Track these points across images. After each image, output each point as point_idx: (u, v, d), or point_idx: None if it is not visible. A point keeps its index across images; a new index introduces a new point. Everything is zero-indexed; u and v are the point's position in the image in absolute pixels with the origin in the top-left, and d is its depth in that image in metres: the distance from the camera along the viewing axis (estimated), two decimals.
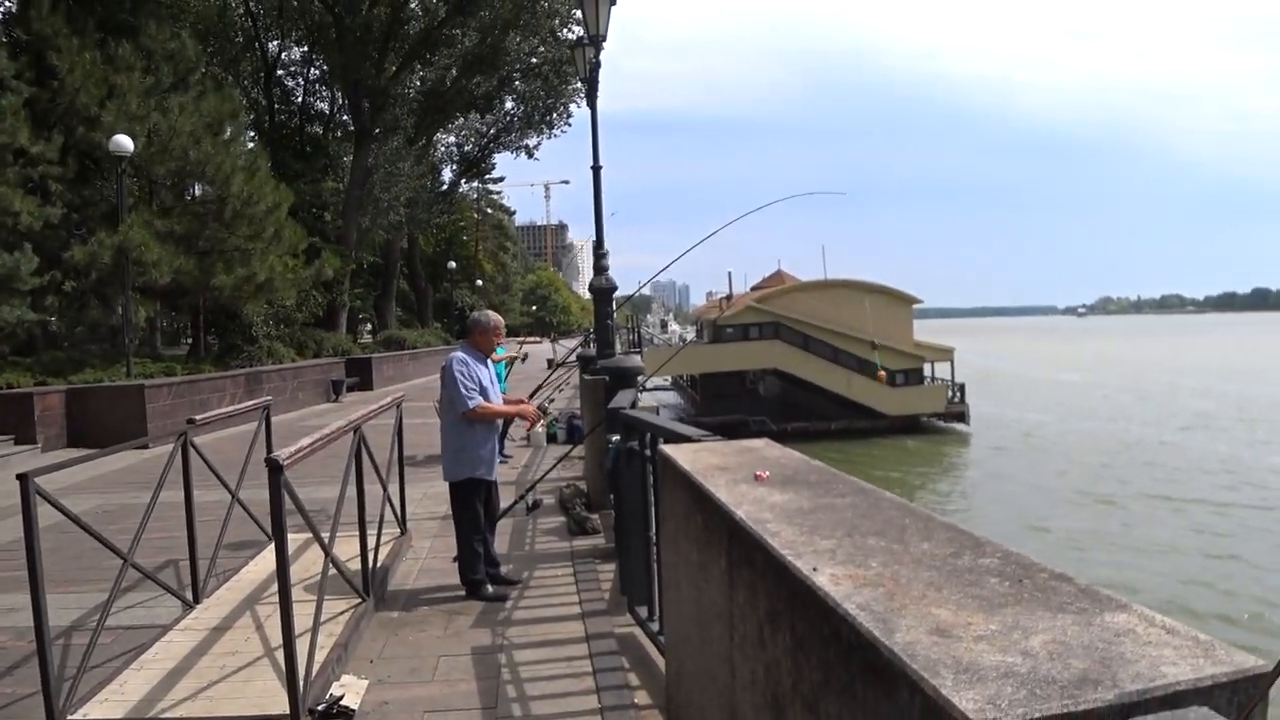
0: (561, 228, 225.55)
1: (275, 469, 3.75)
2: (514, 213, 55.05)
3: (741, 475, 2.62)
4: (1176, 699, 1.10)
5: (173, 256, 17.51)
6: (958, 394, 40.78)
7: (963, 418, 39.76)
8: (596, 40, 9.06)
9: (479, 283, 59.89)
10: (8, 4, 20.86)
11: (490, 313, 6.39)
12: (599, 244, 8.95)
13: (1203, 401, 47.07)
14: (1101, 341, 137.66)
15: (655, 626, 4.53)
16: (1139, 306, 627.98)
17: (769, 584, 1.86)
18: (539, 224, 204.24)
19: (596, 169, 8.92)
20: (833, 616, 1.48)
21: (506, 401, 6.80)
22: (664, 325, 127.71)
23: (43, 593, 3.95)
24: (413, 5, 33.51)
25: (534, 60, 38.76)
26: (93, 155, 18.03)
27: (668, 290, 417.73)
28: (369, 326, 45.51)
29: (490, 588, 5.94)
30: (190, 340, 26.30)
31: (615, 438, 5.42)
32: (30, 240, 16.24)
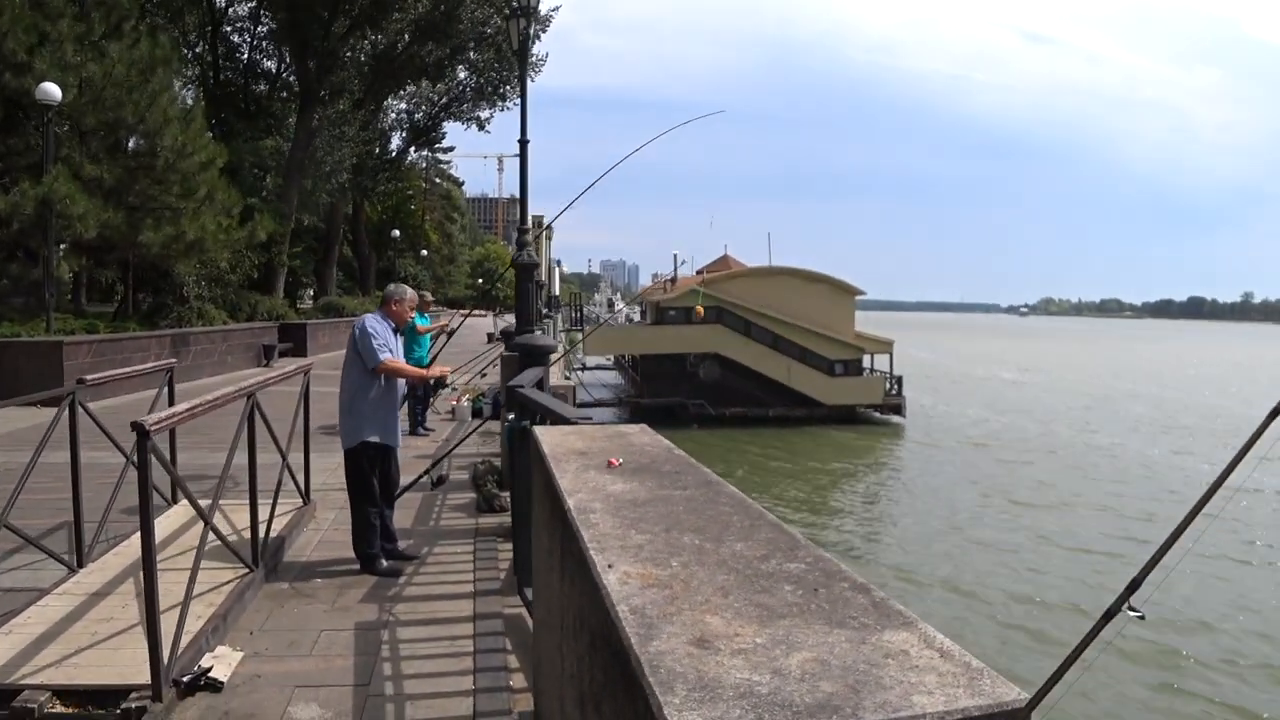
0: (513, 201, 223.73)
1: (142, 434, 3.61)
2: (463, 184, 54.50)
3: (598, 461, 2.57)
4: None
5: (100, 210, 17.01)
6: (895, 387, 41.20)
7: (899, 410, 40.20)
8: (527, 11, 8.90)
9: (424, 253, 59.24)
10: None
11: (405, 287, 6.35)
12: (523, 220, 8.84)
13: (1136, 405, 48.03)
14: (1042, 342, 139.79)
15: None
16: (1079, 309, 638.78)
17: (580, 577, 1.81)
18: (491, 196, 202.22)
19: (523, 143, 8.78)
20: (608, 618, 1.42)
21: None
22: (610, 305, 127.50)
23: None
24: None
25: (487, 30, 38.22)
26: (20, 103, 17.42)
27: (617, 270, 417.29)
28: (310, 292, 44.77)
29: (385, 563, 5.81)
30: (119, 298, 25.65)
31: (512, 415, 5.34)
32: None
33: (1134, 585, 2.36)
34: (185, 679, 3.95)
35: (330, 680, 4.16)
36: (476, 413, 13.01)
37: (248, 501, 5.58)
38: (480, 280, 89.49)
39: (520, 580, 5.00)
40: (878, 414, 40.48)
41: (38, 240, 16.90)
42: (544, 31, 38.34)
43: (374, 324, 5.93)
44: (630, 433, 3.09)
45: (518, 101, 29.67)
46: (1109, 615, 2.38)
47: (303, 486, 7.06)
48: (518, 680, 4.14)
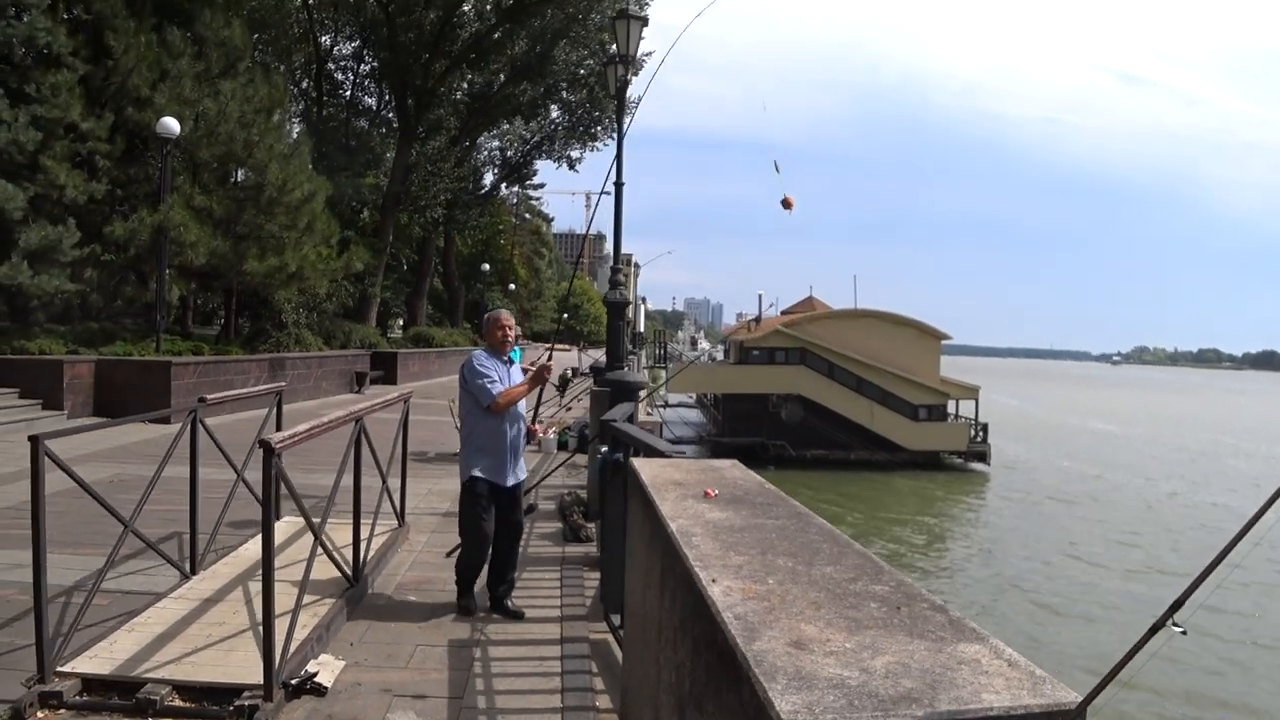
0: (599, 238, 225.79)
1: (269, 451, 3.90)
2: (552, 220, 55.54)
3: (694, 491, 2.75)
4: None
5: (210, 238, 17.85)
6: (980, 433, 40.55)
7: (984, 458, 39.51)
8: (626, 60, 9.24)
9: (512, 287, 60.29)
10: None
11: (503, 311, 6.17)
12: (615, 260, 9.11)
13: (1246, 463, 45.88)
14: (1137, 392, 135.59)
15: (625, 633, 4.65)
16: (1175, 359, 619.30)
17: (683, 591, 1.99)
18: (578, 232, 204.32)
19: (618, 185, 9.09)
20: (714, 624, 1.60)
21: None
22: (694, 342, 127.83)
23: (44, 551, 4.14)
24: (465, 9, 33.90)
25: (581, 72, 39.05)
26: (141, 135, 18.40)
27: (701, 308, 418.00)
28: (400, 321, 45.93)
29: (473, 602, 5.71)
30: (220, 321, 26.69)
31: (605, 448, 5.56)
32: (74, 214, 16.66)
33: (1178, 604, 2.46)
34: (293, 682, 4.21)
35: (426, 691, 4.38)
36: (562, 445, 13.29)
37: (347, 521, 5.89)
38: (565, 315, 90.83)
39: (607, 607, 5.19)
40: (961, 461, 39.85)
41: (151, 265, 17.77)
42: (636, 74, 39.03)
43: (482, 360, 5.78)
44: (722, 467, 3.27)
45: (609, 142, 30.36)
46: (1155, 629, 2.48)
47: (399, 509, 7.37)
48: (603, 701, 4.32)
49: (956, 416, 41.85)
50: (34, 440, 4.03)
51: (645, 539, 2.77)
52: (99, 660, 4.36)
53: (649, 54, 39.14)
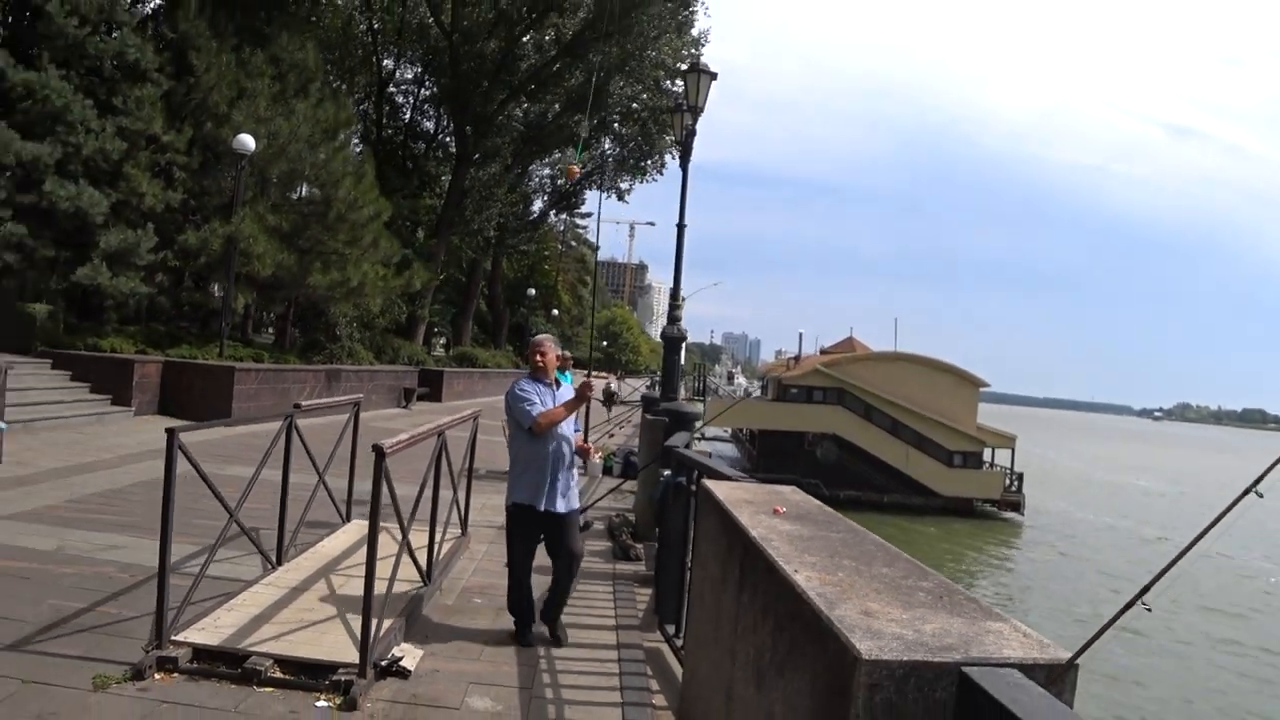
0: (641, 268, 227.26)
1: (380, 454, 4.41)
2: (598, 249, 56.31)
3: (764, 509, 3.20)
4: (1002, 666, 1.67)
5: (277, 251, 18.61)
6: (1016, 483, 40.51)
7: (1018, 508, 39.44)
8: (694, 110, 9.79)
9: (554, 312, 61.09)
10: (158, 2, 22.43)
11: (546, 338, 6.09)
12: (675, 296, 9.62)
13: None
14: (1181, 450, 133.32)
15: (680, 642, 5.11)
16: (1219, 417, 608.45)
17: (764, 584, 2.45)
18: (620, 261, 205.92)
19: (681, 227, 9.62)
20: (799, 601, 2.06)
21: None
22: (730, 377, 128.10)
23: (170, 535, 4.65)
24: (526, 42, 34.83)
25: (635, 106, 39.85)
26: (216, 149, 19.23)
27: (739, 343, 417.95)
28: (443, 340, 46.72)
29: (532, 637, 5.56)
30: (273, 330, 27.52)
31: (667, 472, 6.02)
32: (151, 221, 17.46)
33: (1147, 588, 2.89)
34: (382, 663, 4.69)
35: (498, 681, 4.84)
36: (607, 470, 13.75)
37: (421, 527, 6.38)
38: (605, 343, 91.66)
39: (662, 618, 5.65)
40: (995, 509, 39.81)
41: (219, 273, 18.55)
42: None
43: (523, 385, 5.76)
44: (784, 491, 3.72)
45: (657, 176, 30.86)
46: (1128, 606, 2.90)
47: (463, 519, 7.89)
48: (658, 700, 4.76)
49: (992, 465, 41.85)
50: (170, 433, 4.57)
51: (720, 549, 3.23)
52: (206, 633, 4.87)
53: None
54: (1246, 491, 3.14)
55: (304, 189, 21.96)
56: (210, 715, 4.12)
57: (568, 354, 14.44)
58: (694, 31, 36.24)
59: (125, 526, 7.75)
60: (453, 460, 7.02)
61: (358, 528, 7.73)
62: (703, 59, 32.24)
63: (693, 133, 10.00)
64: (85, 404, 14.92)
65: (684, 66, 37.37)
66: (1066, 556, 32.01)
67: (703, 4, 35.29)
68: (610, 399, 18.34)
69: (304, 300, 21.89)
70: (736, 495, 3.48)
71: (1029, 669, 1.67)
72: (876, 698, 1.65)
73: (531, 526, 5.70)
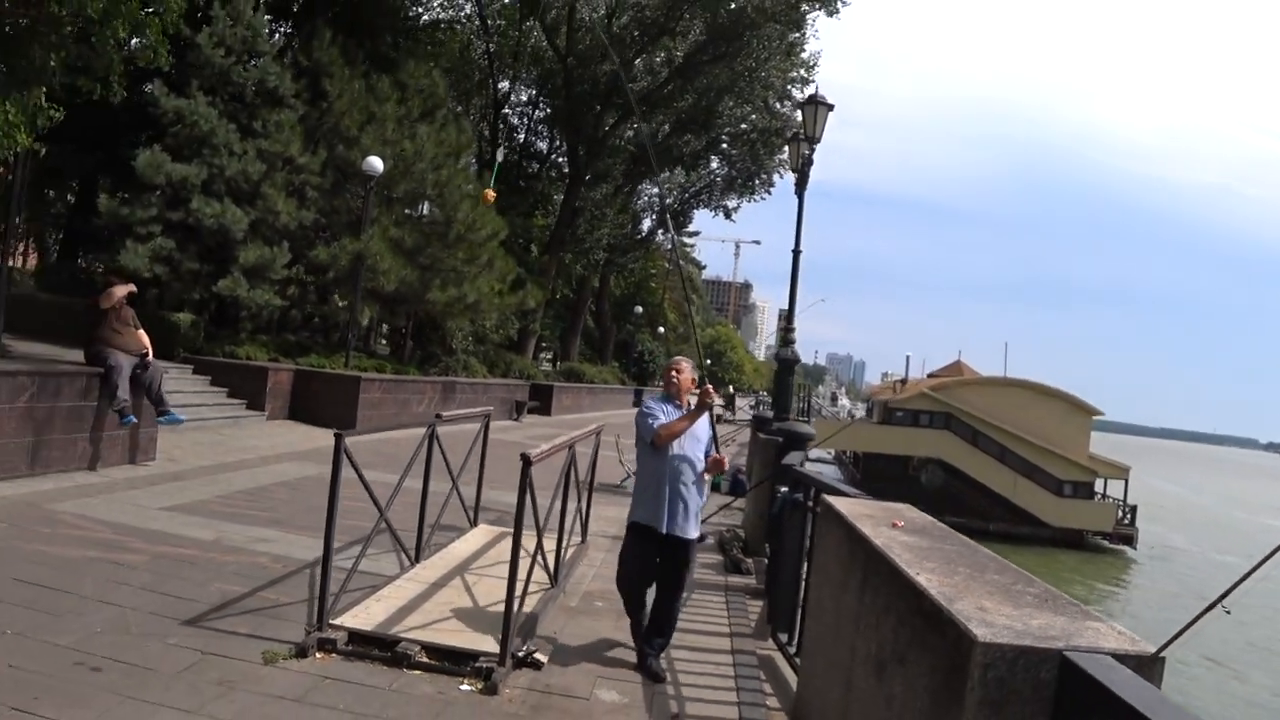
0: (746, 287, 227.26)
1: (527, 462, 4.84)
2: (704, 267, 56.80)
3: (883, 522, 3.51)
4: (1098, 654, 1.96)
5: (400, 267, 19.47)
6: (1129, 516, 39.46)
7: (1130, 541, 38.43)
8: (811, 140, 10.11)
9: (660, 330, 61.66)
10: (288, 31, 23.73)
11: (681, 358, 6.09)
12: (789, 319, 9.94)
13: None
14: None
15: (793, 649, 5.42)
16: None
17: (886, 586, 2.76)
18: (724, 280, 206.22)
19: (796, 252, 9.93)
20: (922, 597, 2.37)
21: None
22: (834, 398, 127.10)
23: (334, 529, 5.16)
24: (638, 65, 35.53)
25: (744, 126, 40.20)
26: (345, 170, 20.22)
27: (843, 364, 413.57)
28: (549, 355, 47.68)
29: (651, 664, 5.37)
30: (386, 342, 28.58)
31: (784, 489, 6.34)
32: (285, 238, 18.48)
33: (1227, 593, 3.09)
34: (519, 654, 5.12)
35: (623, 676, 5.22)
36: (715, 487, 14.06)
37: (537, 531, 6.83)
38: (709, 361, 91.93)
39: (775, 626, 5.97)
40: (1106, 542, 38.82)
41: (346, 287, 19.48)
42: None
43: (648, 403, 5.77)
44: (900, 508, 4.00)
45: (765, 195, 31.09)
46: (1210, 608, 3.12)
47: (584, 528, 8.33)
48: (772, 703, 5.08)
49: (1104, 496, 40.85)
50: (338, 436, 5.08)
51: (842, 557, 3.54)
52: (359, 619, 5.38)
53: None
54: None
55: (425, 208, 22.88)
56: (367, 692, 4.59)
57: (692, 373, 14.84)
58: (804, 54, 36.42)
59: (272, 522, 8.39)
60: (577, 471, 7.45)
61: (484, 532, 8.24)
62: (813, 82, 32.30)
63: (810, 162, 10.32)
64: (224, 407, 15.84)
65: (794, 89, 37.87)
66: (1179, 596, 30.98)
67: (812, 26, 35.50)
68: (731, 403, 18.70)
69: (422, 314, 22.76)
70: (858, 510, 3.80)
71: (1121, 658, 1.96)
72: (990, 675, 1.97)
73: (649, 547, 5.52)
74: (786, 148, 40.42)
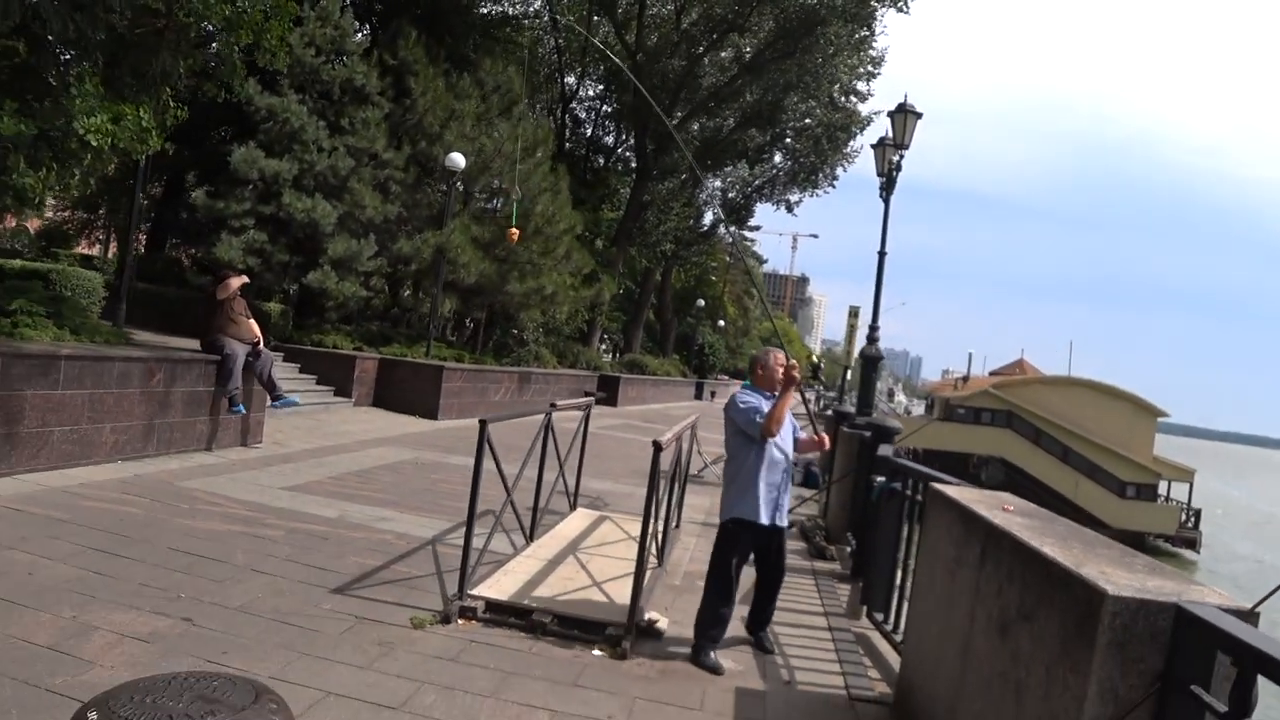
0: (803, 280, 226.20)
1: (658, 448, 5.33)
2: (765, 261, 57.08)
3: (992, 507, 3.94)
4: (1206, 605, 2.40)
5: (479, 260, 20.11)
6: (1192, 520, 39.12)
7: (1193, 545, 38.10)
8: (900, 146, 10.49)
9: (721, 323, 62.08)
10: (373, 29, 24.45)
11: (771, 349, 6.12)
12: (874, 319, 10.35)
13: None
14: None
15: (890, 627, 5.87)
16: None
17: (1009, 558, 3.20)
18: (781, 273, 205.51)
19: (882, 254, 10.33)
20: (1048, 564, 2.81)
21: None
22: (890, 394, 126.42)
23: (475, 509, 5.69)
24: (706, 61, 35.87)
25: (808, 121, 40.30)
26: (427, 165, 20.90)
27: (899, 360, 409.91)
28: (606, 347, 48.33)
29: (713, 655, 5.41)
30: (453, 332, 29.35)
31: (880, 479, 6.76)
32: (371, 231, 19.19)
33: None
34: (642, 624, 5.62)
35: (732, 646, 5.71)
36: None
37: (636, 516, 7.32)
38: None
39: (870, 606, 6.41)
40: (1168, 545, 38.51)
41: (428, 279, 20.17)
42: (863, 130, 40.17)
43: (743, 396, 5.77)
44: (1003, 496, 4.41)
45: (829, 190, 31.26)
46: None
47: (678, 513, 8.83)
48: (872, 673, 5.53)
49: (1167, 499, 40.52)
50: (482, 423, 5.61)
51: (956, 536, 3.98)
52: (494, 590, 5.92)
53: (877, 112, 40.02)
54: None
55: (503, 202, 23.52)
56: (511, 654, 5.12)
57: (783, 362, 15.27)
58: (873, 50, 36.49)
59: (385, 502, 8.99)
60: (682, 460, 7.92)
61: (582, 515, 8.78)
62: (879, 75, 32.17)
63: (899, 168, 10.69)
64: (314, 393, 16.56)
65: (860, 84, 37.97)
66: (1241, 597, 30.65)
67: (881, 22, 35.52)
68: (816, 371, 19.21)
69: (498, 306, 23.42)
70: (964, 495, 4.24)
71: (1218, 612, 2.39)
72: (1117, 622, 2.41)
73: (750, 541, 5.67)
74: (851, 142, 40.81)
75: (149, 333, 14.76)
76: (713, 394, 49.14)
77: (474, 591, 5.78)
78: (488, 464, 5.86)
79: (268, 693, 2.64)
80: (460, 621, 5.50)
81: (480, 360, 21.18)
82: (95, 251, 34.12)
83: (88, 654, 4.32)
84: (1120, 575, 2.65)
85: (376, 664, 4.71)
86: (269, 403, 11.66)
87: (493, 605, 5.69)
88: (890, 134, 10.66)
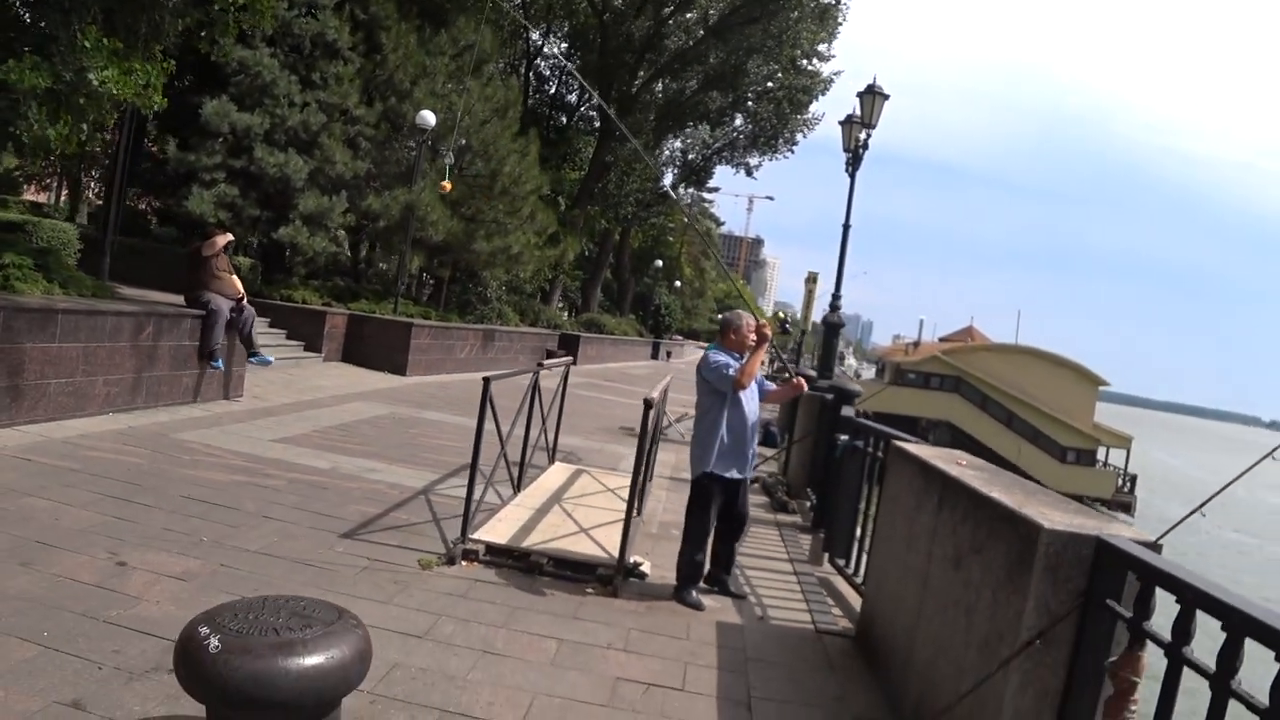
0: (758, 242, 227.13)
1: (648, 405, 5.86)
2: (723, 223, 57.60)
3: (947, 462, 4.53)
4: (1121, 538, 2.98)
5: (448, 219, 20.39)
6: (1128, 485, 40.60)
7: (1128, 509, 39.58)
8: (867, 125, 11.02)
9: (677, 284, 62.64)
10: None
11: (741, 312, 6.34)
12: (837, 288, 10.95)
13: None
14: None
15: (851, 571, 6.49)
16: None
17: (964, 503, 3.79)
18: (736, 235, 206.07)
19: (846, 227, 10.91)
20: (997, 506, 3.40)
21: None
22: (841, 358, 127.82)
23: (479, 460, 6.18)
24: (672, 23, 36.07)
25: (770, 85, 40.69)
26: (397, 123, 21.03)
27: (851, 324, 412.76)
28: (562, 305, 48.70)
29: (694, 594, 5.95)
30: (410, 287, 29.55)
31: (844, 437, 7.37)
32: (341, 187, 19.36)
33: (1206, 501, 4.16)
34: (629, 565, 6.17)
35: (704, 593, 6.29)
36: None
37: (613, 471, 7.86)
38: (719, 316, 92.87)
39: (832, 553, 7.05)
40: (1104, 509, 39.93)
41: (399, 237, 20.41)
42: (824, 93, 40.67)
43: (715, 356, 6.03)
44: (955, 453, 5.00)
45: (789, 154, 31.77)
46: (1193, 512, 4.20)
47: (650, 468, 9.39)
48: (836, 612, 6.15)
49: (1105, 464, 41.95)
50: (486, 381, 6.09)
51: (916, 487, 4.57)
52: (492, 535, 6.44)
53: (838, 73, 40.43)
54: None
55: (471, 161, 23.71)
56: (514, 591, 5.66)
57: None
58: (838, 19, 36.90)
59: (372, 455, 9.44)
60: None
61: (561, 469, 9.32)
62: (838, 38, 32.51)
63: (865, 146, 11.23)
64: (284, 348, 16.79)
65: (822, 47, 38.36)
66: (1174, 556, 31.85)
67: None
68: (784, 326, 20.05)
69: (464, 264, 23.71)
70: (923, 452, 4.83)
71: (1142, 545, 2.98)
72: (1051, 550, 2.99)
73: (721, 493, 6.03)
74: (812, 105, 41.26)
75: (127, 287, 14.94)
76: (668, 354, 49.80)
77: (475, 536, 6.28)
78: (473, 420, 6.28)
79: (347, 612, 3.15)
80: (464, 563, 6.02)
81: (445, 317, 21.52)
82: (45, 200, 33.70)
83: (132, 590, 4.74)
84: (1055, 514, 3.23)
85: (395, 599, 5.21)
86: (247, 358, 11.98)
87: (492, 549, 6.20)
88: (858, 112, 11.20)
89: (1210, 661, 2.34)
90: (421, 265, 23.46)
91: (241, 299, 11.57)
